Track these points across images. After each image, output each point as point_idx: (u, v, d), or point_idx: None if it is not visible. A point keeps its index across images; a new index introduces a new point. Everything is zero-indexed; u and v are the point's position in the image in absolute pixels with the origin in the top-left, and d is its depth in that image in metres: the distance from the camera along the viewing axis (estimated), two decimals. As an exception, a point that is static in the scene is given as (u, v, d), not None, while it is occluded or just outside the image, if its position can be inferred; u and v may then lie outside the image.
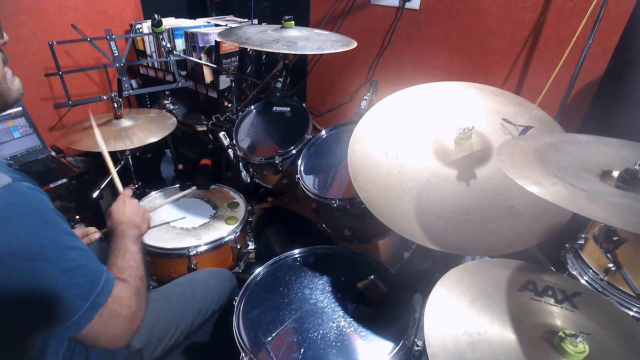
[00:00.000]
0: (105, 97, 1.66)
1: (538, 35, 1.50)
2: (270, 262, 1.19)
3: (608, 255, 0.83)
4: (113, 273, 0.79)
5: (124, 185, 1.15)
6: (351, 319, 1.00)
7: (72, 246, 0.66)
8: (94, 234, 1.11)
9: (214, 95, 2.00)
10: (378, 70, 2.01)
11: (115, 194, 1.10)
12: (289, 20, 1.42)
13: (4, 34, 0.69)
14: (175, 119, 1.72)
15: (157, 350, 0.99)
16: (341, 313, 1.01)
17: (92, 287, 0.68)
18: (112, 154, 1.56)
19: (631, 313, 0.97)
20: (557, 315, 0.75)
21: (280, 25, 1.44)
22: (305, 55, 2.24)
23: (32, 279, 0.61)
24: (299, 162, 1.39)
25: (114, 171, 1.15)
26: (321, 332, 0.96)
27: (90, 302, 0.66)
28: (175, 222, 1.44)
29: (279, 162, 1.43)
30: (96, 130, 1.22)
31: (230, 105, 1.82)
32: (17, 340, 0.66)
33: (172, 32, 2.03)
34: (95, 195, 1.51)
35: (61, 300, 0.63)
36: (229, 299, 1.17)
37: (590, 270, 1.06)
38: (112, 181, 1.16)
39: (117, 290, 0.72)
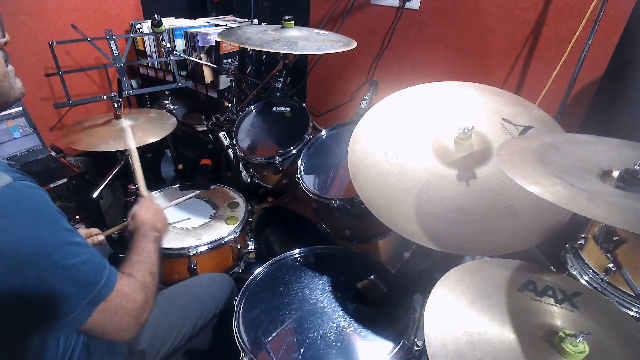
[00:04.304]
0: (105, 97, 1.66)
1: (538, 35, 1.50)
2: (270, 262, 1.19)
3: (608, 255, 0.83)
4: (124, 267, 0.81)
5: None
6: (351, 319, 1.00)
7: (73, 242, 0.66)
8: (97, 235, 1.12)
9: (214, 95, 2.00)
10: (378, 70, 2.01)
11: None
12: (289, 20, 1.42)
13: (5, 34, 0.70)
14: (175, 119, 1.71)
15: (160, 353, 0.99)
16: (341, 313, 1.01)
17: (93, 281, 0.68)
18: (112, 154, 1.56)
19: (631, 313, 0.97)
20: (557, 315, 0.75)
21: (280, 25, 1.45)
22: (305, 55, 2.24)
23: (34, 276, 0.61)
24: (299, 162, 1.39)
25: (140, 173, 1.17)
26: (321, 332, 0.96)
27: (92, 296, 0.67)
28: (175, 222, 1.44)
29: (279, 162, 1.43)
30: (129, 135, 1.25)
31: (230, 105, 1.82)
32: (18, 337, 0.67)
33: (172, 32, 2.02)
34: (95, 195, 1.51)
35: (62, 296, 0.64)
36: (228, 303, 1.17)
37: (590, 270, 1.06)
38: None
39: (120, 285, 0.73)
